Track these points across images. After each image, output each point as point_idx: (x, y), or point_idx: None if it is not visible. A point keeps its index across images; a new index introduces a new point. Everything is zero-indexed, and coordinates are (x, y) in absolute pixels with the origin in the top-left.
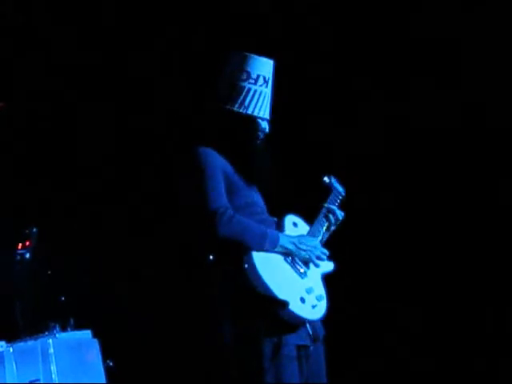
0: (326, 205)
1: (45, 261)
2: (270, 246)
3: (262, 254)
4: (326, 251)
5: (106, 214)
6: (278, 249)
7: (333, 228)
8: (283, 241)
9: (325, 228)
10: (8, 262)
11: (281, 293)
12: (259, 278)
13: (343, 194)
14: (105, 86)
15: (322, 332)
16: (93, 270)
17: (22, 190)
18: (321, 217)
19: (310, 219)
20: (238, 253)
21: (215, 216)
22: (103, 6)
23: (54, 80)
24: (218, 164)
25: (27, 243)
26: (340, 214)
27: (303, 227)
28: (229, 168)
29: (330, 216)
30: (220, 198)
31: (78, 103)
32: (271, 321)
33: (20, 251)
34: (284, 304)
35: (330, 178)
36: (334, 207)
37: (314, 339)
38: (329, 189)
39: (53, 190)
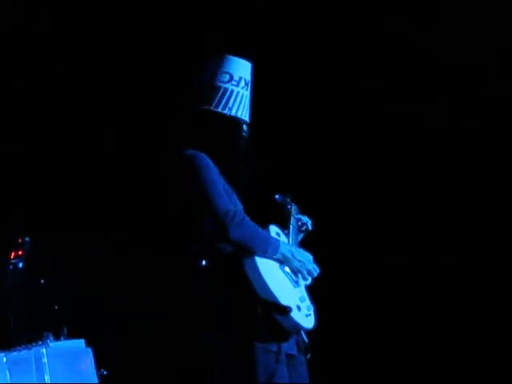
0: (292, 215)
1: (38, 270)
2: (272, 252)
3: (263, 259)
4: (317, 268)
5: (97, 222)
6: (278, 255)
7: (302, 234)
8: (283, 248)
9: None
10: (1, 271)
11: (282, 299)
12: (263, 282)
13: (298, 210)
14: (87, 96)
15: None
16: (86, 279)
17: (15, 199)
18: (293, 226)
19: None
20: (235, 257)
21: (226, 218)
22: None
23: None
24: (214, 168)
25: (20, 252)
26: (308, 222)
27: (284, 239)
28: (220, 173)
29: (300, 224)
30: (227, 200)
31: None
32: (270, 327)
33: (13, 260)
34: (287, 310)
35: (281, 197)
36: (300, 216)
37: (299, 349)
38: (282, 206)
39: (46, 198)
